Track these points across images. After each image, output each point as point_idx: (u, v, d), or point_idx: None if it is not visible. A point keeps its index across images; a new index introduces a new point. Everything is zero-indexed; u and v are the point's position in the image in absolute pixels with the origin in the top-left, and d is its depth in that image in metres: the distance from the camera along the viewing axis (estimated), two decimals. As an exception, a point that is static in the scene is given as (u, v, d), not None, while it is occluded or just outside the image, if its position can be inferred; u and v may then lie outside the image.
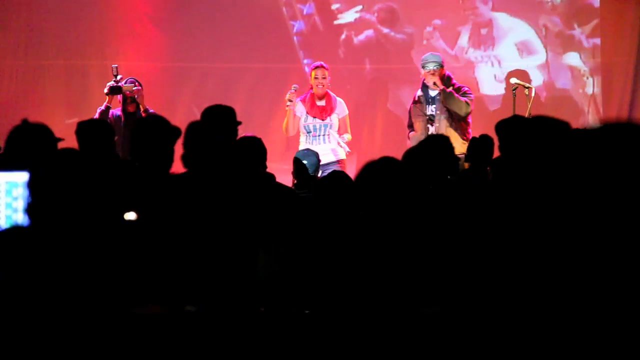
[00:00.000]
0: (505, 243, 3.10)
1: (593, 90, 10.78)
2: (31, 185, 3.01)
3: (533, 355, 2.50)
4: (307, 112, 8.56)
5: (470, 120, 8.47)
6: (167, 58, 10.98)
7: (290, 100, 8.46)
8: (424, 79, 8.50)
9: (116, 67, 8.51)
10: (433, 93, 8.45)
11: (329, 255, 3.61)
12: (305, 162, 7.04)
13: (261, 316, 3.95)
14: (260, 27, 10.90)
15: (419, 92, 8.56)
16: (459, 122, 8.41)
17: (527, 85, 8.87)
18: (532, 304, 2.53)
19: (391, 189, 3.59)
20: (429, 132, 8.37)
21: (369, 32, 11.09)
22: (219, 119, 5.45)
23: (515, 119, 5.68)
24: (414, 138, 8.37)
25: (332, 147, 8.55)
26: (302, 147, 8.45)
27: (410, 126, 8.62)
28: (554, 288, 2.31)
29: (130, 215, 4.02)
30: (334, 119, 8.56)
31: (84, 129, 5.28)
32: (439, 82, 8.36)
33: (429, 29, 11.00)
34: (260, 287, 4.17)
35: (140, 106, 8.48)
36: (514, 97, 8.69)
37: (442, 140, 5.68)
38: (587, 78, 10.80)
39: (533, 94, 8.68)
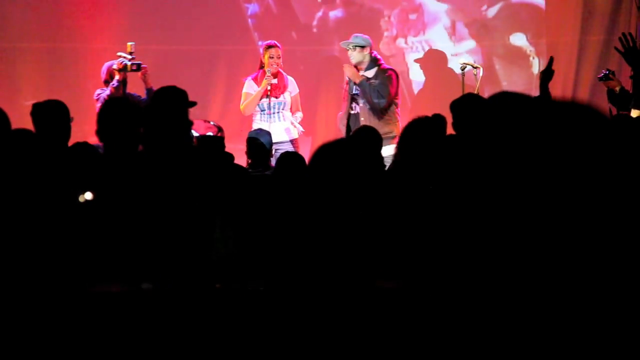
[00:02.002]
0: (461, 216, 3.17)
1: (539, 70, 10.91)
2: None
3: (489, 331, 2.56)
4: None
5: (398, 101, 8.59)
6: (121, 40, 10.93)
7: (270, 77, 8.50)
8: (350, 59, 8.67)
9: (132, 45, 8.57)
10: (361, 73, 8.58)
11: (284, 233, 3.66)
12: (262, 140, 7.11)
13: (217, 293, 3.99)
14: (215, 9, 10.90)
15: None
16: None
17: (475, 65, 8.99)
18: (486, 280, 2.59)
19: (345, 169, 3.65)
20: (353, 112, 8.52)
21: (319, 14, 11.14)
22: (170, 100, 5.46)
23: (470, 97, 5.77)
24: (339, 118, 8.70)
25: (286, 126, 8.62)
26: (256, 125, 8.51)
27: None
28: (506, 263, 2.37)
29: (87, 196, 4.04)
30: (287, 96, 8.63)
31: (40, 110, 5.27)
32: (351, 74, 8.52)
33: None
34: (216, 264, 4.21)
35: (146, 84, 8.53)
36: (463, 77, 8.80)
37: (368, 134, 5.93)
38: (533, 58, 10.92)
39: (481, 74, 8.79)
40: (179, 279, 4.00)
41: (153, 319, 3.70)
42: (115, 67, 8.51)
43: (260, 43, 10.96)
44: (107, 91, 8.49)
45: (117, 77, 8.48)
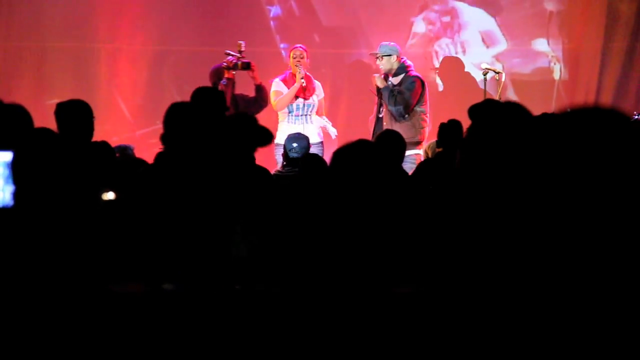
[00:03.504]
0: (477, 223, 3.17)
1: (560, 76, 10.88)
2: (14, 165, 3.06)
3: (503, 335, 2.57)
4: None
5: (425, 107, 8.62)
6: (144, 41, 11.00)
7: (303, 78, 8.57)
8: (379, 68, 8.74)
9: (243, 44, 8.70)
10: (389, 80, 8.64)
11: (304, 236, 3.68)
12: (295, 144, 7.18)
13: (236, 294, 4.01)
14: (237, 11, 10.95)
15: (382, 75, 8.74)
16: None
17: (497, 70, 8.99)
18: (502, 286, 2.60)
19: (365, 171, 3.66)
20: (380, 115, 8.61)
21: (344, 18, 11.17)
22: (209, 101, 5.48)
23: (489, 103, 5.77)
24: (370, 121, 8.75)
25: (314, 127, 8.67)
26: (282, 126, 8.59)
27: None
28: (523, 270, 2.37)
29: (109, 195, 4.07)
30: (315, 99, 8.68)
31: (63, 110, 5.30)
32: (378, 82, 8.58)
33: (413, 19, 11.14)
34: (236, 265, 4.23)
35: (255, 80, 8.72)
36: (485, 82, 8.80)
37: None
38: (554, 64, 10.90)
39: (503, 79, 8.79)
40: (199, 279, 4.03)
41: (173, 319, 3.72)
42: (224, 65, 8.65)
43: (282, 46, 11.00)
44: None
45: (226, 75, 8.64)
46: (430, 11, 11.14)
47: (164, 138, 4.43)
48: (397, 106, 8.42)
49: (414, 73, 8.69)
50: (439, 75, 10.96)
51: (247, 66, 8.67)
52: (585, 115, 2.28)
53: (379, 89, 8.64)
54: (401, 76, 8.59)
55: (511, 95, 10.54)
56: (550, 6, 10.96)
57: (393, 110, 8.45)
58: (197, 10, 10.90)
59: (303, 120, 8.65)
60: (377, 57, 8.68)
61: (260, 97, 8.75)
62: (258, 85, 8.69)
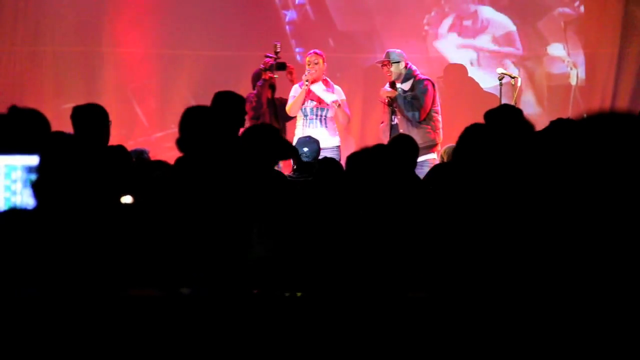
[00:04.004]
0: (493, 229, 3.16)
1: (577, 82, 10.87)
2: (41, 168, 3.07)
3: (515, 339, 2.56)
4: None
5: (437, 108, 8.63)
6: (160, 45, 11.03)
7: (307, 81, 8.59)
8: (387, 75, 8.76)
9: (278, 45, 8.80)
10: (398, 85, 8.67)
11: (320, 239, 3.68)
12: (306, 149, 7.18)
13: (254, 298, 4.02)
14: (253, 16, 10.97)
15: (387, 86, 8.78)
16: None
17: (513, 75, 8.98)
18: (517, 291, 2.59)
19: (379, 175, 3.66)
20: (393, 123, 8.57)
21: (360, 22, 11.18)
22: (230, 105, 5.48)
23: (505, 108, 5.76)
24: (381, 130, 8.76)
25: (329, 132, 8.69)
26: (299, 130, 8.64)
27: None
28: (538, 276, 2.36)
29: (127, 199, 4.08)
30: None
31: (80, 113, 5.32)
32: (387, 94, 8.57)
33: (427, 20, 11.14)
34: (254, 269, 4.24)
35: (292, 83, 8.83)
36: (501, 87, 8.80)
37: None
38: (571, 69, 10.88)
39: (519, 84, 8.80)
40: (216, 283, 4.03)
41: (190, 323, 3.73)
42: (261, 67, 8.76)
43: (297, 50, 11.03)
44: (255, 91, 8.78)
45: (263, 76, 8.75)
46: (451, 15, 11.14)
47: (179, 143, 4.43)
48: (415, 112, 8.45)
49: (422, 76, 8.71)
50: (443, 82, 10.96)
51: (282, 67, 8.78)
52: (602, 120, 2.27)
53: (391, 100, 8.64)
54: (410, 81, 8.62)
55: (528, 101, 10.53)
56: (566, 11, 10.95)
57: (410, 116, 8.47)
58: (213, 15, 10.93)
59: (318, 124, 8.67)
60: (384, 65, 8.70)
61: None
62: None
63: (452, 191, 4.16)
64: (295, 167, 7.19)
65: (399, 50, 8.83)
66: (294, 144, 8.06)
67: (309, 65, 8.69)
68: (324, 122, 8.70)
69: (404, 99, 8.50)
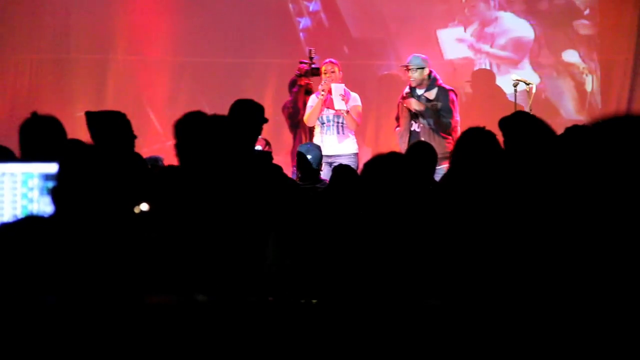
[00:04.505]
0: (509, 236, 3.16)
1: (592, 88, 10.85)
2: (60, 175, 3.09)
3: (529, 347, 2.56)
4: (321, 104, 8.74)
5: (457, 118, 8.60)
6: (175, 52, 11.07)
7: (324, 90, 8.62)
8: (409, 80, 8.69)
9: (313, 50, 8.82)
10: (420, 91, 8.60)
11: (335, 247, 3.69)
12: (309, 156, 7.18)
13: (269, 305, 4.02)
14: (267, 23, 11.00)
15: (407, 89, 8.73)
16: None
17: (528, 81, 8.96)
18: (531, 300, 2.59)
19: (396, 182, 3.67)
20: (412, 129, 8.53)
21: (374, 29, 11.20)
22: (247, 113, 5.50)
23: (519, 115, 5.76)
24: (399, 134, 8.67)
25: (346, 139, 8.70)
26: (317, 137, 8.67)
27: (397, 118, 8.79)
28: (559, 287, 2.35)
29: (143, 207, 4.10)
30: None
31: (97, 119, 5.33)
32: (416, 106, 8.48)
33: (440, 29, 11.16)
34: (269, 277, 4.25)
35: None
36: (515, 93, 8.79)
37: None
38: (586, 75, 10.87)
39: (534, 91, 8.78)
40: (232, 290, 4.04)
41: (206, 330, 3.74)
42: (297, 73, 8.82)
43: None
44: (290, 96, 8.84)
45: (298, 82, 8.81)
46: (471, 21, 11.14)
47: (183, 150, 4.43)
48: (445, 123, 8.40)
49: (445, 86, 8.67)
50: (470, 87, 10.95)
51: (316, 72, 8.83)
52: (616, 123, 2.26)
53: (418, 111, 8.57)
54: (434, 90, 8.56)
55: (544, 107, 10.52)
56: (582, 21, 10.94)
57: (439, 127, 8.43)
58: (228, 22, 10.96)
59: (335, 131, 8.69)
60: (409, 69, 8.65)
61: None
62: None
63: (458, 197, 4.16)
64: (300, 174, 7.20)
65: (424, 56, 8.79)
66: (328, 151, 8.15)
67: (325, 74, 8.72)
68: (341, 129, 8.72)
69: (432, 111, 8.42)
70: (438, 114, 8.41)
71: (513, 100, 8.82)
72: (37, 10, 10.92)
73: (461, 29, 11.10)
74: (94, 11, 10.93)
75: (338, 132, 8.70)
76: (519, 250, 2.99)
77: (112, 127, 5.32)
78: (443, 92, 8.55)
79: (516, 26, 11.05)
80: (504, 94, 10.56)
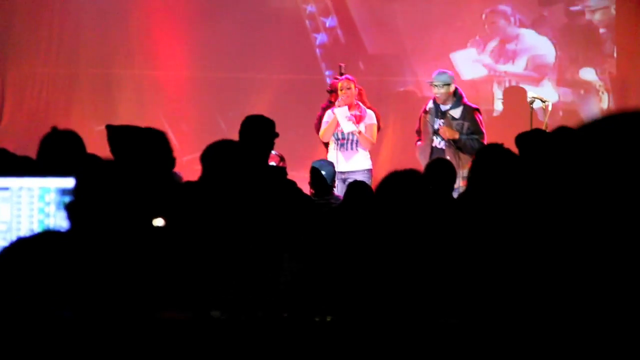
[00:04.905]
0: (528, 255, 3.15)
1: (608, 106, 10.83)
2: (77, 190, 3.10)
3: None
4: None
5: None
6: (191, 68, 11.11)
7: (339, 107, 8.65)
8: (435, 96, 8.60)
9: (343, 66, 8.92)
10: (443, 107, 8.52)
11: (351, 263, 3.69)
12: (323, 172, 7.19)
13: (284, 322, 4.02)
14: (284, 39, 11.03)
15: (430, 104, 8.64)
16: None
17: (544, 99, 8.95)
18: (552, 319, 2.56)
19: (412, 199, 3.66)
20: (433, 145, 8.49)
21: (390, 45, 11.22)
22: (258, 129, 5.52)
23: (536, 132, 5.76)
24: (420, 149, 8.61)
25: (360, 155, 8.70)
26: (331, 153, 8.65)
27: (419, 132, 8.73)
28: (582, 306, 2.32)
29: (159, 222, 4.10)
30: (360, 127, 8.69)
31: (117, 134, 5.34)
32: (450, 135, 8.44)
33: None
34: (284, 293, 4.25)
35: (364, 105, 8.87)
36: (532, 111, 8.77)
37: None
38: (602, 93, 10.86)
39: (550, 108, 8.76)
40: (246, 307, 4.04)
41: (220, 346, 3.74)
42: (328, 89, 8.89)
43: (327, 73, 11.07)
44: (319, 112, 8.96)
45: (330, 98, 8.89)
46: (491, 37, 11.15)
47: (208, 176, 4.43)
48: (478, 146, 8.32)
49: (471, 104, 8.57)
50: (502, 104, 10.93)
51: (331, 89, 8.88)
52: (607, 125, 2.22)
53: (432, 116, 8.51)
54: (460, 108, 8.45)
55: (560, 124, 10.51)
56: (598, 36, 10.94)
57: (472, 152, 8.35)
58: (244, 38, 10.99)
59: (349, 147, 8.70)
60: (435, 86, 8.55)
61: None
62: (367, 109, 8.85)
63: (476, 215, 4.15)
64: (313, 190, 7.19)
65: (449, 72, 8.74)
66: (343, 167, 8.17)
67: (341, 90, 8.72)
68: (355, 146, 8.72)
69: (466, 138, 8.33)
70: (470, 138, 8.30)
71: (529, 117, 8.81)
72: (53, 24, 10.98)
73: (474, 50, 11.10)
74: (109, 26, 11.00)
75: (352, 149, 8.70)
76: (535, 269, 2.97)
77: (131, 142, 5.32)
78: (469, 112, 8.44)
79: (537, 43, 11.05)
80: (523, 111, 10.55)
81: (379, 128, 8.95)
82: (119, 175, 3.09)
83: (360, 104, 8.80)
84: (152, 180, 4.44)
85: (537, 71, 11.04)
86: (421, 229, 3.67)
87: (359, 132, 8.60)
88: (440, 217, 3.95)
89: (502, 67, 11.12)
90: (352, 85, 8.73)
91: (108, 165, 3.17)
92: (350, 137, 8.71)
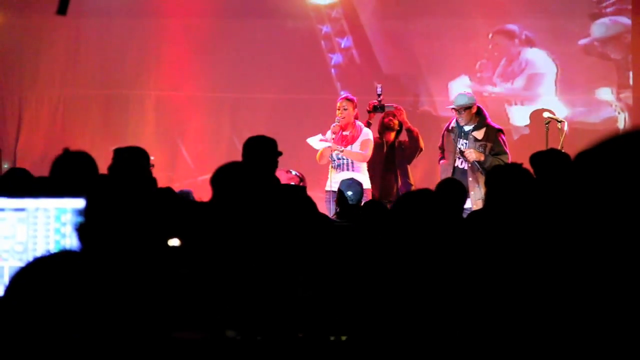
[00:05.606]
0: (542, 275, 3.14)
1: (624, 126, 10.80)
2: (88, 211, 3.11)
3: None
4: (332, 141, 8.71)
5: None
6: (206, 88, 11.16)
7: (335, 133, 8.61)
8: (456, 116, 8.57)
9: (380, 86, 8.94)
10: (466, 128, 8.48)
11: (366, 283, 3.68)
12: (350, 192, 7.18)
13: (299, 341, 4.01)
14: (299, 59, 11.07)
15: (453, 123, 8.59)
16: None
17: (559, 119, 8.94)
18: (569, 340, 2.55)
19: (428, 220, 3.66)
20: (456, 165, 8.46)
21: (405, 66, 11.23)
22: (261, 149, 5.56)
23: (552, 152, 5.75)
24: (443, 167, 8.59)
25: (356, 174, 8.65)
26: (330, 174, 8.63)
27: (442, 149, 8.71)
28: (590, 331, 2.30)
29: (174, 242, 4.11)
30: (355, 148, 8.64)
31: (126, 154, 5.38)
32: (474, 157, 8.40)
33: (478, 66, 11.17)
34: (299, 313, 4.24)
35: (404, 124, 9.02)
36: (547, 131, 8.76)
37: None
38: (619, 113, 10.83)
39: (566, 128, 8.74)
40: (261, 327, 4.04)
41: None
42: (367, 109, 8.97)
43: (342, 93, 11.10)
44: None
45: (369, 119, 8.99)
46: (497, 58, 11.15)
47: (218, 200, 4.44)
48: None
49: (494, 125, 8.51)
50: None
51: (380, 108, 8.92)
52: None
53: (456, 135, 8.48)
54: (483, 130, 8.41)
55: (576, 143, 10.50)
56: (615, 55, 10.92)
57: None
58: (258, 58, 11.03)
59: (343, 168, 8.65)
60: (458, 111, 8.47)
61: (412, 140, 8.91)
62: (407, 129, 8.86)
63: (491, 234, 4.14)
64: (338, 210, 7.17)
65: (469, 93, 8.72)
66: (330, 187, 8.12)
67: (338, 110, 8.68)
68: (350, 166, 8.68)
69: (496, 160, 8.23)
70: (495, 159, 8.25)
71: (545, 137, 8.79)
72: (69, 46, 11.05)
73: (484, 70, 11.11)
74: (126, 47, 11.05)
75: (348, 169, 8.66)
76: (550, 288, 2.96)
77: (126, 161, 5.36)
78: (493, 133, 8.41)
79: (542, 62, 11.05)
80: (539, 131, 10.55)
81: (420, 149, 8.96)
82: (127, 194, 3.10)
83: (357, 122, 8.74)
84: (158, 197, 4.46)
85: (549, 91, 11.03)
86: (434, 248, 3.67)
87: (342, 151, 8.58)
88: (450, 237, 3.94)
89: (513, 87, 11.12)
90: (350, 107, 8.65)
91: (115, 184, 3.18)
92: (345, 158, 8.65)
